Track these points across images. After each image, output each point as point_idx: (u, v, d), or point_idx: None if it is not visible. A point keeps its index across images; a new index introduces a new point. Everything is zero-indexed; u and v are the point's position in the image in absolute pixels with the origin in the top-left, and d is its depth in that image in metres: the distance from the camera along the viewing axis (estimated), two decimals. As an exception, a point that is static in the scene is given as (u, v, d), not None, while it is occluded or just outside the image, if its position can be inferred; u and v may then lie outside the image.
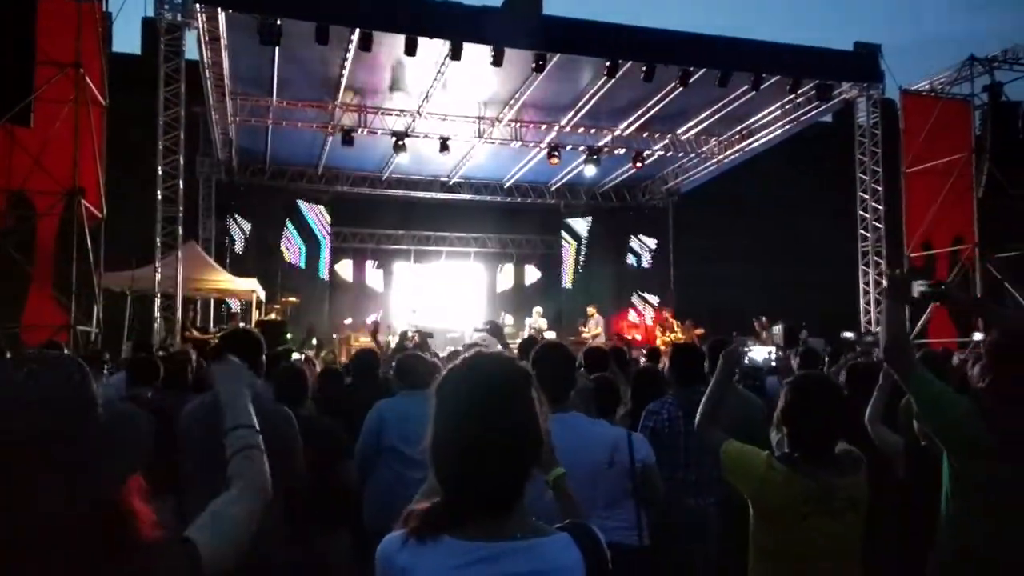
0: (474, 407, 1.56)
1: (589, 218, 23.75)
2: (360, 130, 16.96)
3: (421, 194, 21.83)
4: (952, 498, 2.92)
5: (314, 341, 15.87)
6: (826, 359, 7.69)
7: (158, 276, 13.96)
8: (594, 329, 18.14)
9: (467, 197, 22.08)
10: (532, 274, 24.35)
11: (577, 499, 2.11)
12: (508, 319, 19.15)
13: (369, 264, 22.82)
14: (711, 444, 3.07)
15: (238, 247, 20.19)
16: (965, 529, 2.87)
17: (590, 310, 18.76)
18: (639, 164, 19.10)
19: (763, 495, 2.82)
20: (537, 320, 18.35)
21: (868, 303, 17.21)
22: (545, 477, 2.06)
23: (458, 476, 1.55)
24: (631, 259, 23.97)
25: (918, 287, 3.38)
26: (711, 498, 4.33)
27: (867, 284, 17.27)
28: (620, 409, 4.83)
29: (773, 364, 3.11)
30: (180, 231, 14.37)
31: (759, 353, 3.21)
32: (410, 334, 10.08)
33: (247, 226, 20.62)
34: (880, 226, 17.18)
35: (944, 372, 5.50)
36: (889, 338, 3.08)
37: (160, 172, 13.99)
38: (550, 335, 16.35)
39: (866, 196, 17.32)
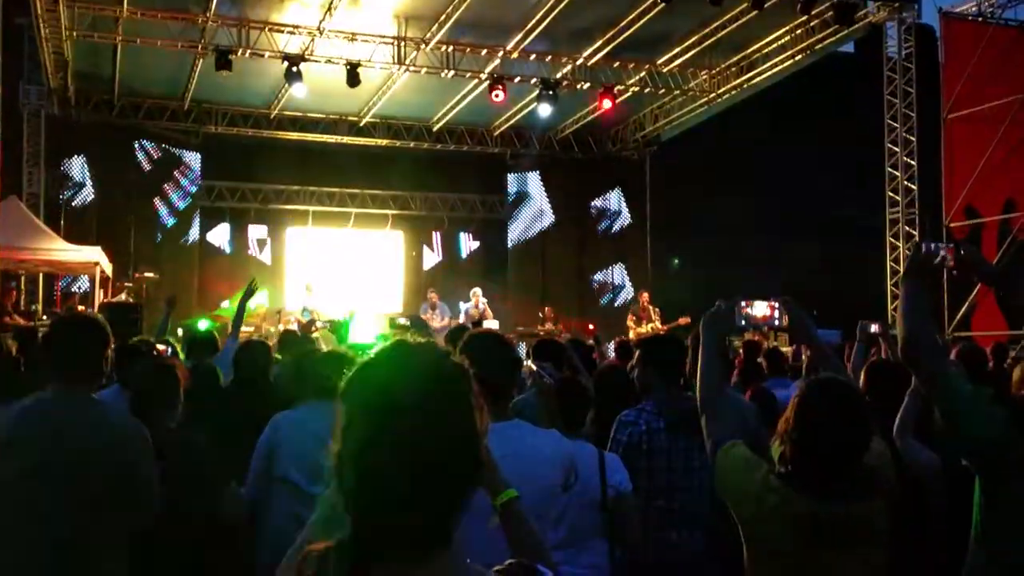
0: (395, 414, 1.50)
1: (541, 172, 23.74)
2: (241, 52, 16.68)
3: (323, 138, 21.66)
4: (985, 527, 2.99)
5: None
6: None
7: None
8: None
9: (383, 143, 21.96)
10: (469, 244, 24.29)
11: (534, 528, 2.12)
12: (437, 309, 18.97)
13: (252, 229, 22.54)
14: (715, 436, 3.10)
15: (77, 204, 19.74)
16: (1004, 553, 2.94)
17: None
18: (608, 102, 19.14)
19: (756, 520, 2.88)
20: (476, 304, 18.31)
21: (897, 285, 17.49)
22: (492, 501, 2.05)
23: (373, 506, 1.49)
24: (596, 226, 24.09)
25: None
26: (698, 531, 4.39)
27: (896, 261, 17.60)
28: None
29: (776, 323, 3.12)
30: (-3, 183, 14.05)
31: (759, 309, 3.17)
32: (318, 324, 9.99)
33: (89, 177, 20.18)
34: (913, 187, 17.47)
35: (982, 373, 5.65)
36: (907, 331, 3.11)
37: (-30, 103, 13.65)
38: (492, 324, 16.35)
39: (896, 149, 17.59)
